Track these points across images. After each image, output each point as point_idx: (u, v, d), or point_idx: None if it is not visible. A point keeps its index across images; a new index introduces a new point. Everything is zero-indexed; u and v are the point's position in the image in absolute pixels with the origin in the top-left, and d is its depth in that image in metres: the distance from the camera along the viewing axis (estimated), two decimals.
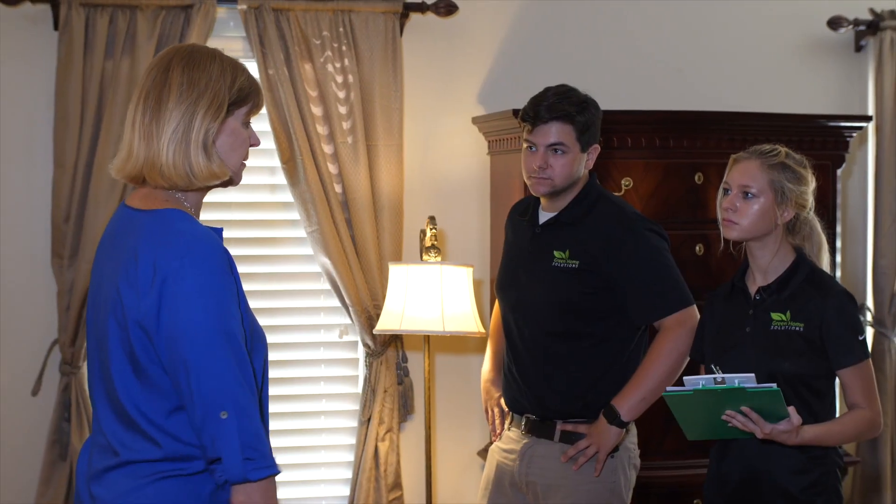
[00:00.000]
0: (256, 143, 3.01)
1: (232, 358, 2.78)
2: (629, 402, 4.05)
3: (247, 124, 2.97)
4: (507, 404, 4.37)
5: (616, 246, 4.10)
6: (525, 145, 4.20)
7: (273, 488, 2.84)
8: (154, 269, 2.78)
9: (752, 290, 3.82)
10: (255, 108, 2.98)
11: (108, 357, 2.87)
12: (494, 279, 4.53)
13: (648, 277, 4.10)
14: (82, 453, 3.02)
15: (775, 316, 3.73)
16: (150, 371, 2.83)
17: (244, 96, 2.93)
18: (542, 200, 4.26)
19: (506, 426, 4.36)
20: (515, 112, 5.09)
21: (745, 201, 3.73)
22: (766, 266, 3.79)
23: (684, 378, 3.55)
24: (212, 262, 2.81)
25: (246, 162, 3.00)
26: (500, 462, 4.32)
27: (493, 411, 4.47)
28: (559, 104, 4.12)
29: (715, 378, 3.49)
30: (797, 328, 3.69)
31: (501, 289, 4.37)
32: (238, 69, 2.94)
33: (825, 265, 3.86)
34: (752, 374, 3.49)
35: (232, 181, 2.99)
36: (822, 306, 3.69)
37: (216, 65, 2.91)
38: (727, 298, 3.89)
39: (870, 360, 3.75)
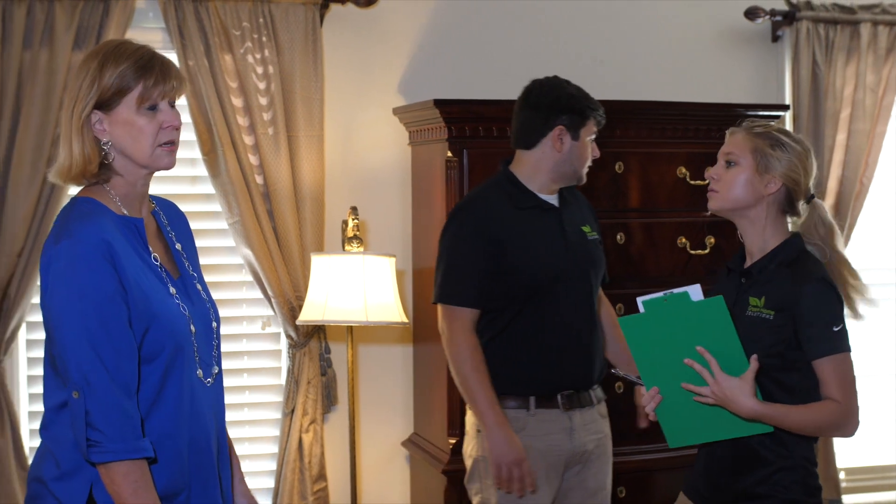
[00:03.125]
0: (171, 124, 3.04)
1: (86, 341, 2.86)
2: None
3: (150, 108, 3.01)
4: (527, 390, 4.39)
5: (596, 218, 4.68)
6: (587, 141, 4.45)
7: (133, 473, 2.88)
8: (44, 257, 2.96)
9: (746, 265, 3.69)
10: (145, 94, 2.99)
11: None
12: (524, 274, 4.40)
13: None
14: None
15: (752, 300, 3.56)
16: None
17: (119, 88, 2.98)
18: (538, 186, 4.46)
19: (527, 413, 4.38)
20: (437, 102, 5.13)
21: (727, 170, 3.61)
22: (754, 246, 3.62)
23: (637, 299, 3.43)
24: (78, 248, 2.90)
25: (168, 143, 3.05)
26: (549, 449, 4.37)
27: (522, 468, 4.30)
28: None
29: (664, 293, 3.39)
30: (767, 316, 3.50)
31: (542, 272, 4.36)
32: (109, 62, 2.98)
33: (841, 250, 3.64)
34: (698, 285, 3.37)
35: (152, 167, 3.07)
36: (796, 293, 3.48)
37: (94, 63, 3.00)
38: (725, 280, 3.74)
39: (849, 353, 3.50)
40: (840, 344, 3.49)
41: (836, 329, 3.48)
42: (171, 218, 3.31)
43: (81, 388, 2.86)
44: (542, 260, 4.37)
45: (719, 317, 3.37)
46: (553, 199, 4.46)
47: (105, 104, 2.99)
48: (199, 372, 3.13)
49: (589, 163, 4.46)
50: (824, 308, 3.48)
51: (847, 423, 3.49)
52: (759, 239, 3.62)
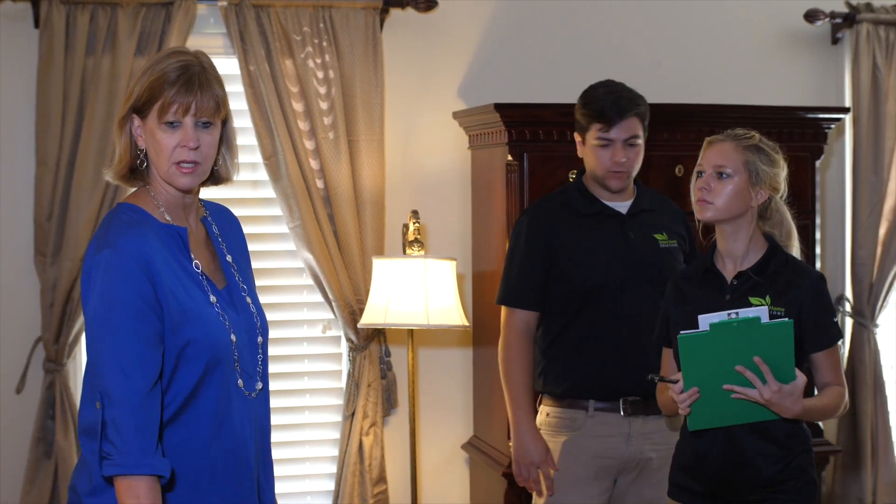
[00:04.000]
0: (185, 143, 2.93)
1: (112, 353, 2.81)
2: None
3: (171, 124, 2.93)
4: (588, 393, 4.42)
5: (690, 226, 4.50)
6: (597, 143, 4.39)
7: (141, 489, 2.78)
8: (84, 265, 2.93)
9: (726, 275, 3.80)
10: (165, 108, 2.92)
11: None
12: (575, 279, 4.45)
13: None
14: None
15: (755, 301, 3.71)
16: None
17: (148, 96, 2.93)
18: (605, 192, 4.46)
19: (586, 414, 4.41)
20: (497, 106, 5.14)
21: (719, 181, 3.73)
22: (740, 253, 3.79)
23: (699, 318, 3.53)
24: (115, 260, 2.85)
25: (183, 164, 2.95)
26: (600, 451, 4.39)
27: (536, 472, 4.43)
28: (629, 100, 4.41)
29: (728, 314, 3.49)
30: (778, 313, 3.67)
31: (601, 278, 4.39)
32: (151, 66, 2.95)
33: (795, 252, 3.87)
34: (765, 308, 3.52)
35: (170, 184, 3.01)
36: (801, 290, 3.72)
37: (146, 66, 2.97)
38: (700, 282, 3.86)
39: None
40: (838, 333, 3.78)
41: (835, 320, 3.78)
42: (223, 226, 3.25)
43: (102, 400, 2.81)
44: (596, 266, 4.40)
45: (784, 336, 3.51)
46: (622, 206, 4.47)
47: (140, 110, 2.95)
48: (241, 382, 3.05)
49: (610, 168, 4.38)
50: (826, 302, 3.76)
51: (846, 404, 3.80)
52: (742, 245, 3.80)
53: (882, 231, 6.20)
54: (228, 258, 3.18)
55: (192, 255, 3.04)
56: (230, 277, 3.14)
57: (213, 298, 3.02)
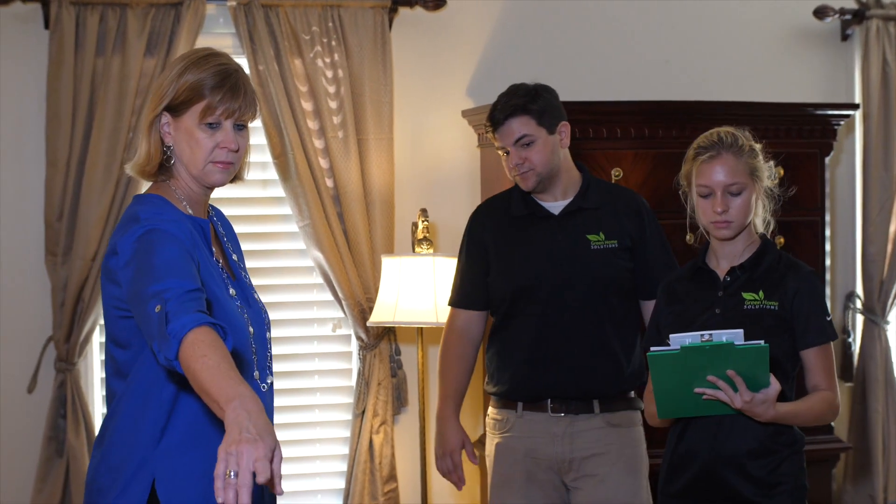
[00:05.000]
0: (227, 145, 3.03)
1: (161, 261, 2.77)
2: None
3: (211, 125, 3.01)
4: (515, 394, 4.38)
5: (647, 222, 4.38)
6: (501, 154, 4.35)
7: (204, 333, 2.63)
8: (109, 249, 2.96)
9: (719, 272, 3.76)
10: (209, 110, 3.00)
11: None
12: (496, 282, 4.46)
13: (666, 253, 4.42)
14: None
15: (747, 296, 3.69)
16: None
17: (188, 96, 3.00)
18: (540, 195, 4.37)
19: (516, 414, 4.38)
20: None
21: (733, 199, 3.66)
22: (738, 251, 3.75)
23: (670, 336, 3.46)
24: (154, 225, 2.87)
25: (219, 163, 3.04)
26: (529, 451, 4.35)
27: (451, 461, 4.53)
28: (508, 103, 4.28)
29: (702, 335, 3.41)
30: (772, 307, 3.66)
31: (526, 281, 4.34)
32: (190, 68, 3.01)
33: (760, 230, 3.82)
34: (741, 331, 3.42)
35: (202, 181, 3.08)
36: (796, 285, 3.68)
37: (179, 66, 3.03)
38: (690, 281, 3.82)
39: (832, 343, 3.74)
40: (833, 333, 3.73)
41: (828, 319, 3.70)
42: (224, 226, 3.34)
43: (160, 301, 2.69)
44: (522, 269, 4.34)
45: (758, 359, 3.43)
46: (556, 206, 4.37)
47: (175, 109, 3.02)
48: (256, 374, 3.11)
49: (513, 173, 4.32)
50: (821, 299, 3.72)
51: (837, 409, 3.72)
52: (742, 243, 3.76)
53: (892, 228, 6.19)
54: (234, 256, 3.25)
55: (213, 249, 3.11)
56: (238, 273, 3.22)
57: (232, 291, 3.09)
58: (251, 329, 3.09)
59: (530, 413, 4.36)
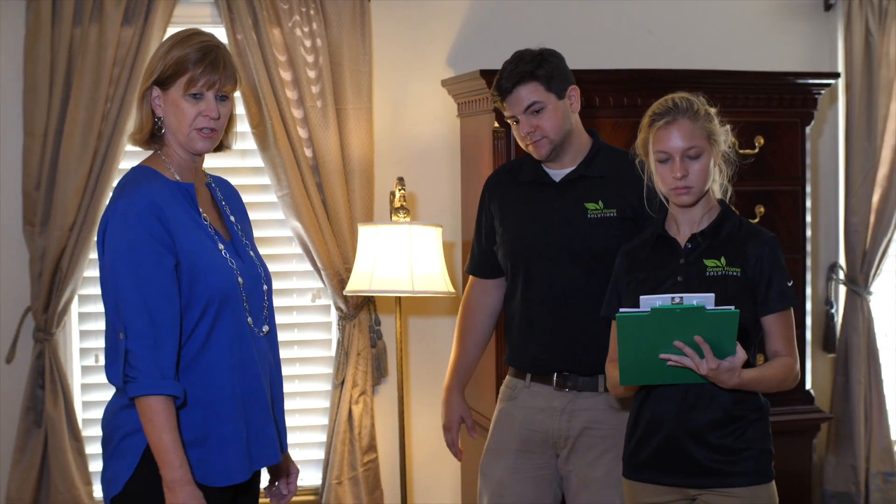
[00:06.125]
0: (208, 113, 3.35)
1: (133, 288, 3.19)
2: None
3: (195, 95, 3.34)
4: (524, 365, 4.34)
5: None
6: (511, 122, 4.27)
7: (157, 407, 3.17)
8: (102, 220, 3.33)
9: (680, 239, 3.74)
10: (192, 81, 3.33)
11: None
12: (502, 249, 4.41)
13: None
14: None
15: (709, 262, 3.67)
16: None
17: (173, 71, 3.33)
18: (549, 161, 4.29)
19: (523, 384, 4.34)
20: (483, 72, 5.12)
21: (692, 163, 3.64)
22: (697, 218, 3.73)
23: (640, 298, 3.44)
24: (130, 207, 3.23)
25: (203, 130, 3.37)
26: (527, 422, 4.31)
27: (451, 434, 4.59)
28: (515, 70, 4.19)
29: (672, 298, 3.39)
30: (734, 273, 3.65)
31: (524, 250, 4.29)
32: (175, 46, 3.35)
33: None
34: (712, 295, 3.40)
35: (187, 147, 3.40)
36: (758, 250, 3.67)
37: (167, 44, 3.38)
38: (652, 249, 3.79)
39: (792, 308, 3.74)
40: (794, 298, 3.72)
41: (790, 284, 3.69)
42: (225, 194, 3.63)
43: (126, 331, 3.18)
44: (521, 237, 4.30)
45: (728, 325, 3.42)
46: (558, 174, 4.29)
47: (163, 82, 3.34)
48: (249, 320, 3.40)
49: (525, 141, 4.23)
50: (782, 264, 3.70)
51: (797, 376, 3.74)
52: (701, 209, 3.75)
53: (875, 198, 6.18)
54: (232, 218, 3.55)
55: (201, 210, 3.41)
56: (234, 234, 3.52)
57: (220, 246, 3.39)
58: (241, 279, 3.38)
59: (537, 385, 4.31)
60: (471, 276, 4.58)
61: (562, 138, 4.21)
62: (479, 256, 4.51)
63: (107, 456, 3.36)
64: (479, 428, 5.42)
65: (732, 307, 3.40)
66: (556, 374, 4.26)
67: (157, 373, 3.17)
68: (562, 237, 4.22)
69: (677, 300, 3.40)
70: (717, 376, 3.48)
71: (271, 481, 3.71)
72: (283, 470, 3.69)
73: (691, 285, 3.64)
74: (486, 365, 5.31)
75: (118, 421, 3.32)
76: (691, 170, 3.64)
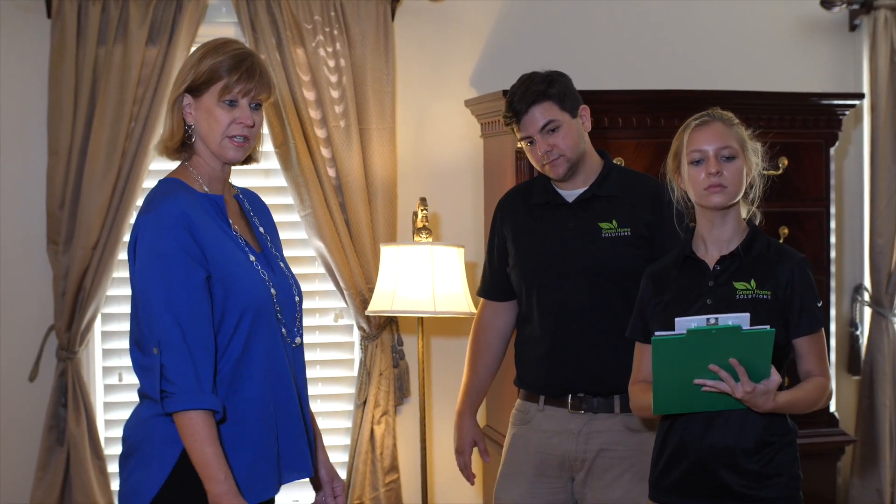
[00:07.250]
0: (243, 120, 3.31)
1: (165, 303, 3.15)
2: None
3: (230, 102, 3.30)
4: (537, 387, 4.32)
5: (660, 209, 4.09)
6: (525, 144, 4.25)
7: (199, 422, 3.13)
8: (132, 233, 3.27)
9: (708, 261, 3.69)
10: (227, 88, 3.28)
11: None
12: (512, 271, 4.41)
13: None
14: None
15: (739, 285, 3.62)
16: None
17: (207, 78, 3.29)
18: (559, 183, 4.28)
19: (537, 407, 4.32)
20: (506, 93, 5.09)
21: (726, 164, 3.60)
22: (726, 238, 3.67)
23: (675, 320, 3.41)
24: (160, 220, 3.19)
25: (236, 138, 3.32)
26: (543, 446, 4.29)
27: (461, 459, 4.58)
28: (528, 91, 4.20)
29: (708, 319, 3.36)
30: (765, 296, 3.59)
31: (538, 271, 4.28)
32: (209, 54, 3.31)
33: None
34: (747, 315, 3.37)
35: (219, 156, 3.35)
36: (788, 273, 3.61)
37: (199, 52, 3.34)
38: (680, 270, 3.74)
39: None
40: (822, 319, 3.67)
41: (820, 305, 3.65)
42: (254, 206, 3.59)
43: (160, 346, 3.14)
44: (534, 258, 4.29)
45: (763, 344, 3.39)
46: (571, 194, 4.27)
47: (196, 90, 3.29)
48: (283, 331, 3.39)
49: (541, 161, 4.20)
50: (813, 286, 3.66)
51: (830, 395, 3.71)
52: (731, 228, 3.70)
53: None
54: (261, 230, 3.52)
55: (231, 221, 3.38)
56: (264, 245, 3.48)
57: (252, 258, 3.36)
58: (273, 290, 3.35)
59: (551, 408, 4.29)
60: (482, 299, 4.57)
61: (578, 157, 4.21)
62: (491, 279, 4.51)
63: (130, 466, 3.28)
64: (497, 447, 5.40)
65: (767, 326, 3.37)
66: (570, 396, 4.25)
67: (196, 387, 3.13)
68: (577, 257, 4.20)
69: (713, 321, 3.37)
70: (753, 400, 3.44)
71: (317, 495, 3.64)
72: (327, 478, 3.64)
73: (720, 308, 3.57)
74: (509, 385, 5.30)
75: (148, 430, 3.25)
76: (726, 170, 3.60)
